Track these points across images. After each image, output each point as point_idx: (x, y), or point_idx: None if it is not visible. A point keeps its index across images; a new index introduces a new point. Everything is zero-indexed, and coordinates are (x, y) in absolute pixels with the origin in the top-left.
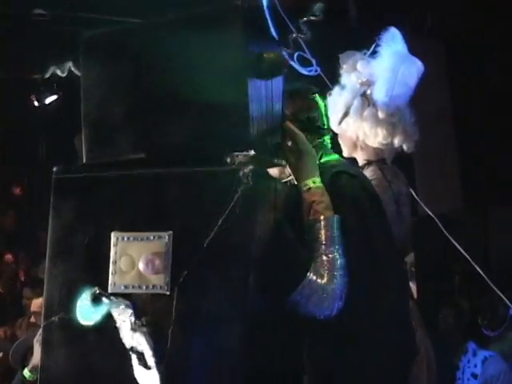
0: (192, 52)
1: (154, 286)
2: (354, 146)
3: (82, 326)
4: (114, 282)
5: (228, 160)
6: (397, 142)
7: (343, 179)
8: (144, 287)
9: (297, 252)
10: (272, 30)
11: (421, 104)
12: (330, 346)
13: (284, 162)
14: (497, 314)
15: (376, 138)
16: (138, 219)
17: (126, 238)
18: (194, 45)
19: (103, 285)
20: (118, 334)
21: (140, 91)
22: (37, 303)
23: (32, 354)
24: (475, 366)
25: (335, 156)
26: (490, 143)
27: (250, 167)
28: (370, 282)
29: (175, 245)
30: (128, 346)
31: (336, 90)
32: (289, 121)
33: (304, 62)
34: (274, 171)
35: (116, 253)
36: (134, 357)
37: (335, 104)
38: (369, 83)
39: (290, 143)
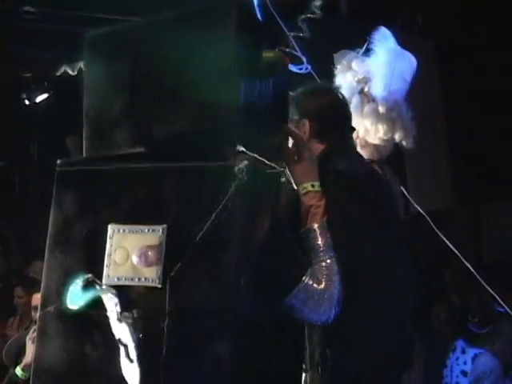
0: (188, 49)
1: (146, 279)
2: None
3: (78, 316)
4: (108, 273)
5: (225, 155)
6: (397, 137)
7: (330, 179)
8: (137, 279)
9: (294, 254)
10: (263, 27)
11: (411, 103)
12: (325, 345)
13: (283, 164)
14: (486, 311)
15: (377, 133)
16: (135, 212)
17: (121, 231)
18: (190, 42)
19: (100, 277)
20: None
21: (139, 88)
22: (37, 298)
23: (25, 352)
24: (465, 363)
25: None
26: (480, 142)
27: (245, 163)
28: (357, 282)
29: (169, 238)
30: (117, 337)
31: None
32: (312, 119)
33: (294, 60)
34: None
35: (111, 245)
36: (121, 349)
37: None
38: (365, 80)
39: (290, 145)
